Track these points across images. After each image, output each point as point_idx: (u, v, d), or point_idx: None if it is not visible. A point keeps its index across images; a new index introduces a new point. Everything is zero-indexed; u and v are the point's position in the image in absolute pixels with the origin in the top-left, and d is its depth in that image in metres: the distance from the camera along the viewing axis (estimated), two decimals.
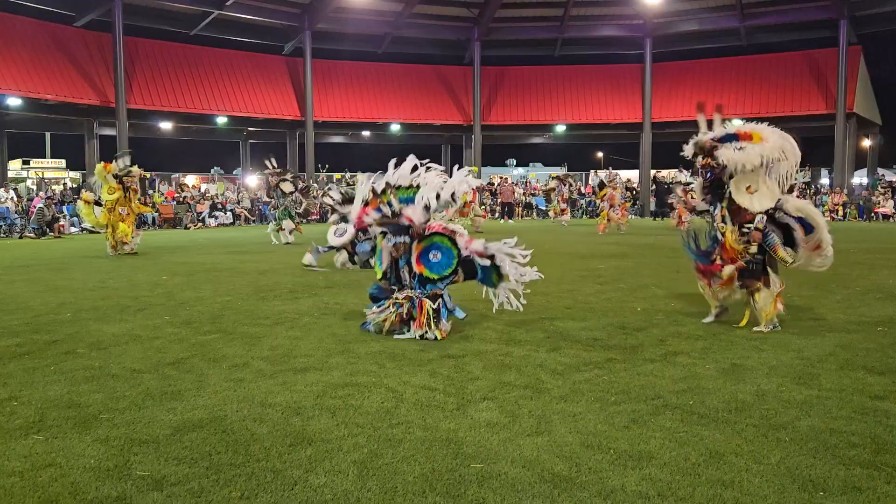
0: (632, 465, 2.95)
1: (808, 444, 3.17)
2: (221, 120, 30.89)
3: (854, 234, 18.01)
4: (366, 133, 36.19)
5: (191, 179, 34.66)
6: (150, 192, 26.27)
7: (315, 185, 20.84)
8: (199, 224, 26.04)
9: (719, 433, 3.33)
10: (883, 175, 33.14)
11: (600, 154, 48.93)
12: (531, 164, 51.72)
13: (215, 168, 25.44)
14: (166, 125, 31.05)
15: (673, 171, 34.37)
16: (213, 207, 27.59)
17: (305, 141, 31.29)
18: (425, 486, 2.78)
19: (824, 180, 33.00)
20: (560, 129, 34.74)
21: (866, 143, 34.23)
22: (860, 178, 33.64)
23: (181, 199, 27.29)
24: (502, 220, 26.82)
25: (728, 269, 5.69)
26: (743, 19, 31.47)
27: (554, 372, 4.42)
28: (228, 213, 27.61)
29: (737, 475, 2.85)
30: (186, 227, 25.06)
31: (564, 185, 26.17)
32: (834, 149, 29.85)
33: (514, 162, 50.87)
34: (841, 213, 27.91)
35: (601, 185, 20.74)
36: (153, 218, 24.52)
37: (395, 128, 34.53)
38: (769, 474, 2.86)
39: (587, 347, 5.09)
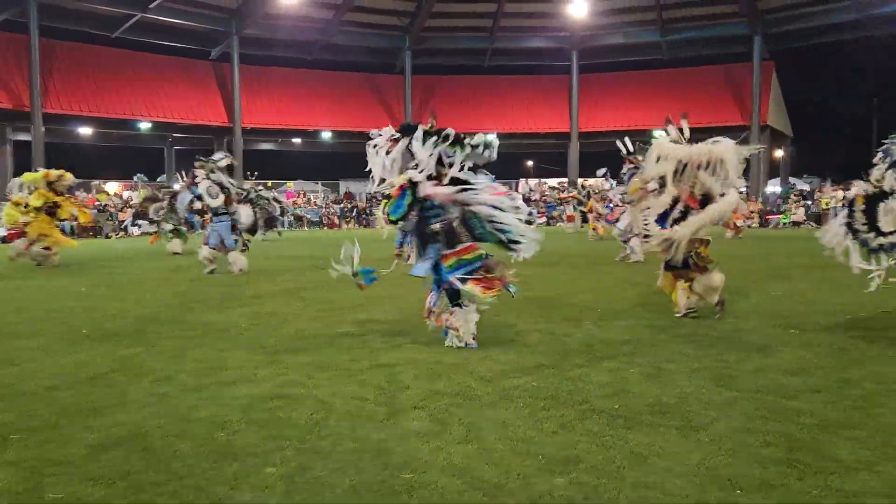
0: (559, 469, 3.00)
1: (727, 445, 3.29)
2: (145, 125, 29.98)
3: (770, 241, 18.87)
4: (296, 140, 35.76)
5: (112, 187, 33.38)
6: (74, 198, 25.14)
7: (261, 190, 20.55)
8: (122, 233, 25.12)
9: (643, 436, 3.42)
10: (794, 184, 34.84)
11: (530, 163, 49.74)
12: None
13: (138, 175, 24.63)
14: (86, 130, 29.89)
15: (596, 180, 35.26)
16: (137, 216, 26.62)
17: (234, 148, 30.65)
18: (354, 497, 2.75)
19: (742, 188, 34.46)
20: (490, 138, 35.15)
21: (779, 153, 35.98)
22: (773, 187, 35.29)
23: (101, 208, 26.26)
24: None
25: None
26: (664, 34, 32.70)
27: (484, 379, 4.45)
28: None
29: (659, 476, 2.93)
30: (108, 237, 24.13)
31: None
32: (749, 159, 31.24)
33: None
34: (756, 220, 29.19)
35: (588, 196, 21.48)
36: (72, 227, 23.50)
37: (326, 135, 34.27)
38: (690, 475, 2.95)
39: (517, 354, 5.14)
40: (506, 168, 39.95)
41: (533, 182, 38.37)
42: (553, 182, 37.84)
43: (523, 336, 5.77)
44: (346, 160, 37.67)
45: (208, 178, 10.95)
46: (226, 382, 4.40)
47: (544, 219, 30.76)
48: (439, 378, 4.48)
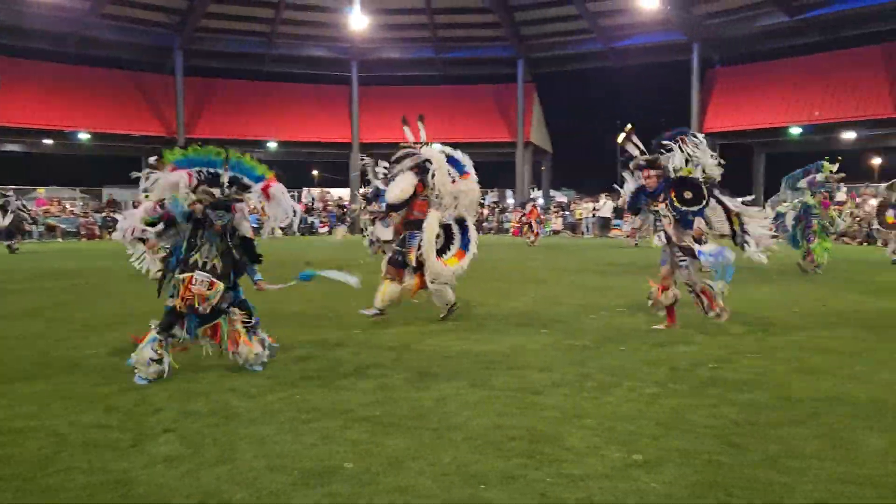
0: (314, 482, 2.97)
1: (476, 442, 3.48)
2: None
3: (532, 249, 20.44)
4: (48, 142, 32.07)
5: None
6: None
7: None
8: None
9: (401, 440, 3.51)
10: (554, 196, 38.16)
11: (315, 172, 49.29)
12: None
13: None
14: None
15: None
16: None
17: None
18: None
19: (510, 200, 37.05)
20: (272, 145, 34.30)
21: (542, 168, 39.25)
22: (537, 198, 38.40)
23: None
24: None
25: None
26: (438, 52, 34.22)
27: (246, 395, 4.29)
28: None
29: (412, 479, 3.02)
30: None
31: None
32: (515, 173, 33.83)
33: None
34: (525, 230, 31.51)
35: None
36: None
37: (83, 137, 31.14)
38: (440, 474, 3.08)
39: (283, 367, 5.03)
40: (289, 177, 39.25)
41: (316, 192, 38.02)
42: (337, 192, 37.76)
43: (290, 350, 5.66)
44: (109, 165, 34.62)
45: None
46: None
47: (327, 228, 30.61)
48: (196, 397, 4.24)
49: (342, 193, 37.94)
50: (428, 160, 6.94)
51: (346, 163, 34.91)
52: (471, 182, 7.14)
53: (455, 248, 7.13)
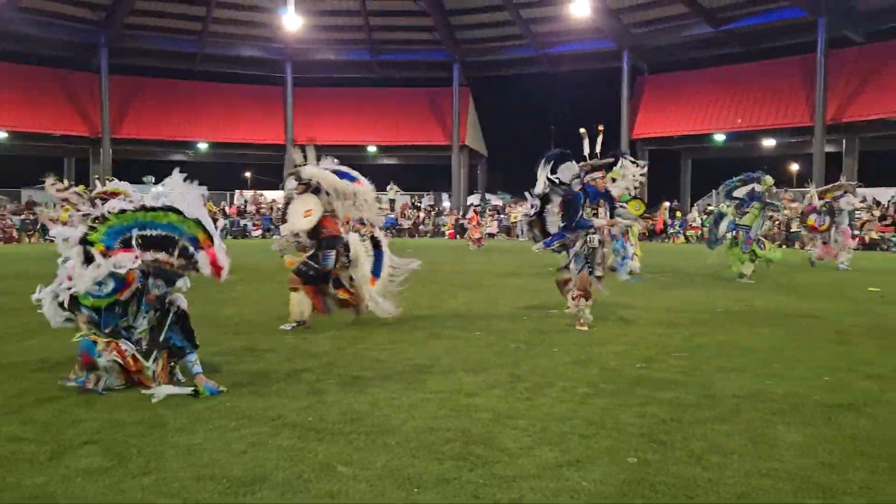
0: (244, 491, 2.90)
1: (411, 445, 3.47)
2: None
3: (470, 252, 20.57)
4: None
5: None
6: None
7: None
8: None
9: (333, 446, 3.47)
10: (489, 200, 38.48)
11: (248, 174, 48.27)
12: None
13: None
14: None
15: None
16: None
17: None
18: None
19: (446, 203, 37.17)
20: (203, 146, 33.47)
21: (477, 171, 39.53)
22: (473, 201, 38.65)
23: None
24: None
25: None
26: (374, 54, 34.09)
27: (173, 403, 4.15)
28: None
29: (345, 484, 2.99)
30: None
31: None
32: (451, 176, 34.02)
33: (153, 179, 47.34)
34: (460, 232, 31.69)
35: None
36: None
37: (1, 136, 29.68)
38: (373, 479, 3.06)
39: (212, 373, 4.90)
40: (221, 179, 38.39)
41: (249, 194, 37.25)
42: (271, 194, 37.08)
43: (221, 356, 5.52)
44: (28, 165, 33.04)
45: None
46: None
47: (260, 231, 30.05)
48: (121, 407, 4.09)
49: (276, 196, 37.31)
50: (313, 179, 6.76)
51: (280, 164, 34.36)
52: (365, 185, 7.04)
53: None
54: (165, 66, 33.73)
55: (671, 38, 30.30)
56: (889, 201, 25.99)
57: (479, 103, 36.23)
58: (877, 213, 24.02)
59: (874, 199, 26.06)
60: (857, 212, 20.36)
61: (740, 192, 11.53)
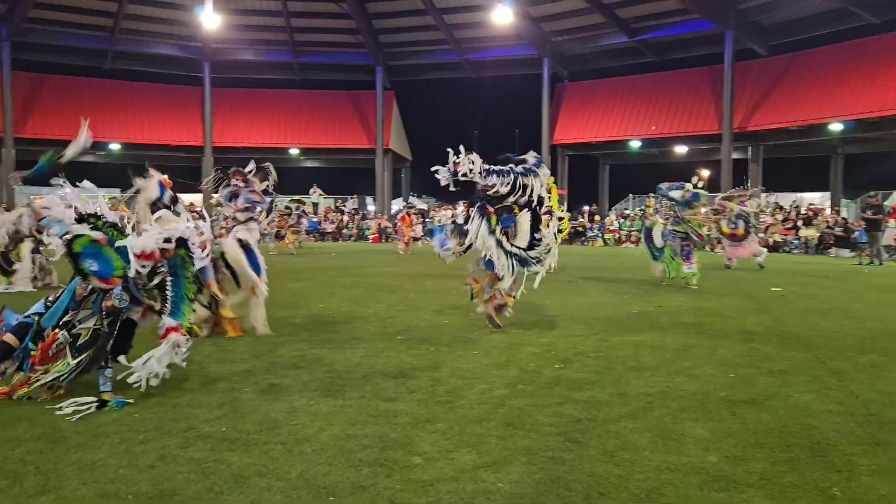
0: None
1: (327, 453, 3.42)
2: None
3: (393, 256, 20.52)
4: None
5: None
6: None
7: None
8: None
9: (248, 456, 3.38)
10: (414, 204, 38.53)
11: (165, 176, 46.57)
12: (78, 185, 46.43)
13: None
14: None
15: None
16: None
17: None
18: None
19: (371, 207, 36.98)
20: (115, 147, 32.11)
21: (401, 175, 39.52)
22: (397, 205, 38.61)
23: None
24: None
25: None
26: (296, 55, 33.58)
27: (74, 417, 3.96)
28: None
29: (258, 496, 2.92)
30: None
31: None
32: (375, 179, 33.87)
33: (62, 181, 45.08)
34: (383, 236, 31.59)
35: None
36: None
37: None
38: (289, 489, 2.99)
39: (121, 385, 4.69)
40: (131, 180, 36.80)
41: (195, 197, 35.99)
42: (189, 198, 35.94)
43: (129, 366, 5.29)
44: None
45: None
46: None
47: None
48: (17, 422, 3.86)
49: (194, 199, 36.18)
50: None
51: (199, 167, 33.34)
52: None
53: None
54: (73, 62, 32.19)
55: (590, 46, 31.15)
56: (791, 206, 27.50)
57: (403, 107, 36.23)
58: (780, 216, 25.35)
59: (777, 203, 27.50)
60: (762, 215, 21.36)
61: (676, 195, 11.51)
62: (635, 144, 31.48)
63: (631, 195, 36.18)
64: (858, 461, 3.37)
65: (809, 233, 23.54)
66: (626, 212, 32.04)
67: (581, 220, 30.22)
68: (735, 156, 28.21)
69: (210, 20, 28.35)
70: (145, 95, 33.19)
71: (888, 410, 4.19)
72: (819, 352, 5.92)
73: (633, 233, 27.29)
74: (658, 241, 11.72)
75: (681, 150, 31.58)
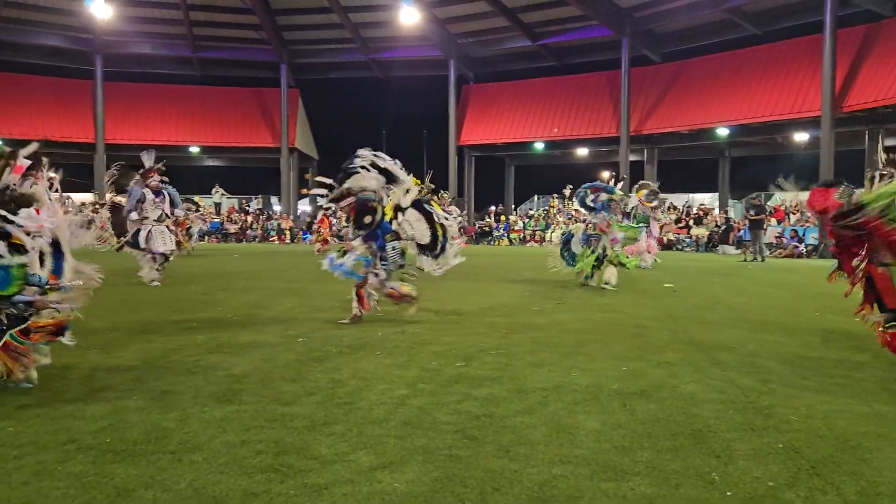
0: None
1: (219, 461, 3.31)
2: None
3: (296, 257, 20.17)
4: None
5: None
6: None
7: None
8: None
9: (133, 468, 3.22)
10: (322, 205, 38.08)
11: (53, 174, 43.92)
12: None
13: None
14: None
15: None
16: None
17: None
18: None
19: (276, 207, 36.21)
20: None
21: (307, 175, 38.88)
22: (304, 206, 37.98)
23: None
24: None
25: None
26: (195, 50, 32.46)
27: None
28: None
29: None
30: None
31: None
32: (280, 179, 33.19)
33: None
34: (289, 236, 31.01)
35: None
36: None
37: None
38: (176, 500, 2.88)
39: None
40: None
41: (55, 196, 33.89)
42: (81, 196, 34.02)
43: (6, 377, 4.96)
44: None
45: None
46: None
47: None
48: None
49: (85, 198, 34.33)
50: None
51: (91, 165, 31.67)
52: None
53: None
54: None
55: (494, 49, 31.70)
56: (683, 206, 28.93)
57: (309, 105, 35.70)
58: (673, 216, 26.62)
59: (671, 203, 28.87)
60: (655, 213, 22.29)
61: (591, 201, 11.35)
62: (539, 146, 32.28)
63: (536, 196, 37.07)
64: (736, 446, 3.57)
65: (700, 231, 24.85)
66: (531, 212, 32.78)
67: (487, 220, 30.71)
68: (632, 158, 29.41)
69: (101, 10, 27.00)
70: (30, 88, 31.27)
71: (763, 398, 4.47)
72: (704, 344, 6.25)
73: (537, 232, 27.95)
74: (576, 248, 11.47)
75: (582, 152, 32.63)
